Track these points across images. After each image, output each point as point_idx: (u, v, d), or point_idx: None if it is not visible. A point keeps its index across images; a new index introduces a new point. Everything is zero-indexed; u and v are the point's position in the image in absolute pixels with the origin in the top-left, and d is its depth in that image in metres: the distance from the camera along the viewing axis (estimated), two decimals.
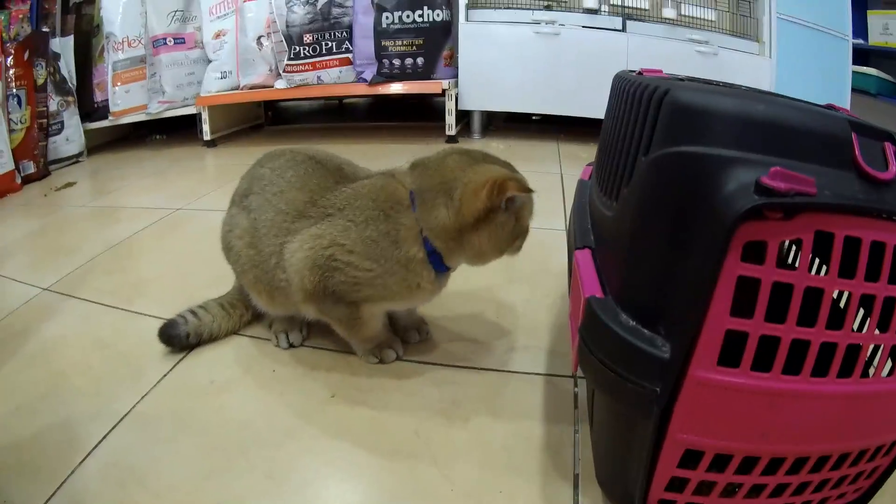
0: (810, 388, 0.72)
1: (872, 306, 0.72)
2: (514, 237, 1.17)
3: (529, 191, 1.12)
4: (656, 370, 0.72)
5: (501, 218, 1.12)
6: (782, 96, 0.98)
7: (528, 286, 1.68)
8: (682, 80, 1.00)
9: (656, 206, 0.76)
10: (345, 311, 1.23)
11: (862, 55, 3.75)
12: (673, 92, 0.74)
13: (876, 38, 4.06)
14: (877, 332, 0.74)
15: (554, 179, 2.65)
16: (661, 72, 1.05)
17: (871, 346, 0.77)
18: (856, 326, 0.74)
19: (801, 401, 0.73)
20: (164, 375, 1.30)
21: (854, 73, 3.37)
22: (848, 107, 3.31)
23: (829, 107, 1.04)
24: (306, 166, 1.28)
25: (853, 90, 3.39)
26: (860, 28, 3.82)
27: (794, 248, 1.09)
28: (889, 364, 0.76)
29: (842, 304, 0.74)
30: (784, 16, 3.14)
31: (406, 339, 1.39)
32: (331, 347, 1.39)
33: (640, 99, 0.85)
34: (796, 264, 0.69)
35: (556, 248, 1.87)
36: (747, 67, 3.24)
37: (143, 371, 1.32)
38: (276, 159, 1.32)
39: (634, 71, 1.21)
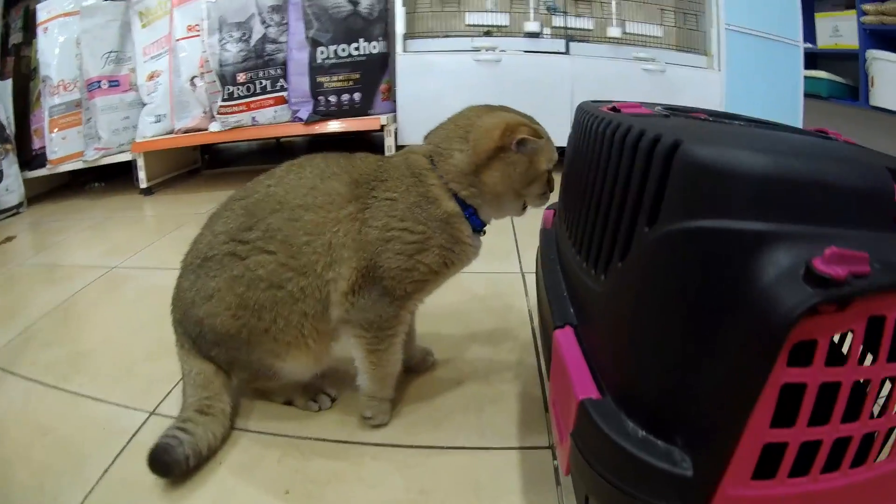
0: (849, 480, 0.62)
1: None
2: (528, 179, 1.21)
3: (540, 137, 1.18)
4: (676, 489, 0.59)
5: (513, 157, 1.18)
6: (787, 128, 0.88)
7: (490, 344, 1.55)
8: (666, 115, 0.87)
9: (670, 294, 0.62)
10: (385, 308, 1.18)
11: (810, 59, 3.73)
12: (686, 147, 0.61)
13: (825, 41, 4.06)
14: None
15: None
16: (639, 106, 0.93)
17: None
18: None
19: (840, 495, 0.62)
20: (106, 470, 1.16)
21: (804, 77, 3.36)
22: (801, 112, 3.29)
23: (821, 132, 0.94)
24: (320, 159, 1.28)
25: (805, 95, 3.37)
26: (808, 32, 3.81)
27: None
28: None
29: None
30: (733, 27, 3.12)
31: (418, 368, 1.44)
32: (279, 433, 1.25)
33: (631, 149, 0.71)
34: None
35: (513, 293, 1.81)
36: (696, 82, 3.21)
37: (85, 463, 1.19)
38: (270, 177, 1.26)
39: (601, 102, 1.10)
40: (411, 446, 1.18)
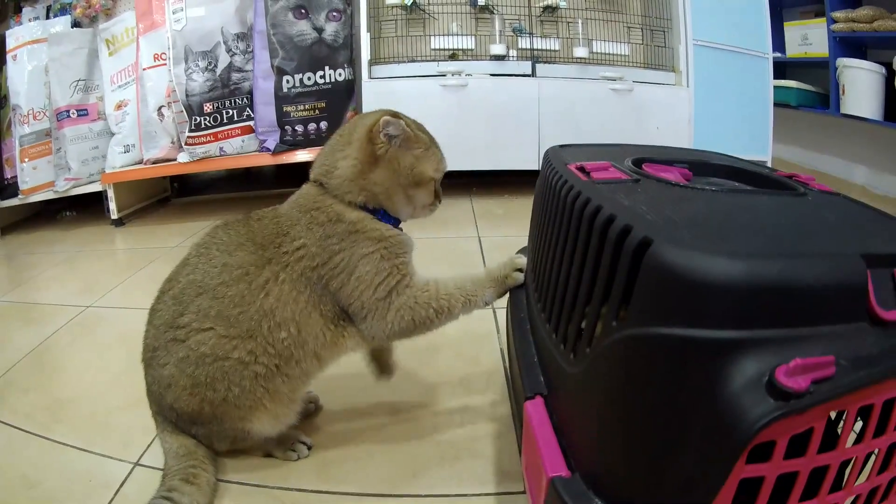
0: None
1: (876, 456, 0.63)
2: (412, 181, 1.22)
3: (398, 118, 1.19)
4: None
5: (393, 153, 1.19)
6: (762, 181, 0.91)
7: (462, 388, 1.53)
8: (637, 179, 0.87)
9: (639, 392, 0.63)
10: (382, 320, 1.20)
11: (779, 68, 3.74)
12: (657, 249, 0.60)
13: (794, 50, 4.08)
14: None
15: (472, 245, 2.55)
16: (608, 167, 0.93)
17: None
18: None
19: None
20: None
21: (774, 87, 3.39)
22: (771, 124, 3.30)
23: (792, 176, 0.94)
24: (222, 233, 1.25)
25: (774, 104, 3.39)
26: (777, 42, 3.82)
27: None
28: None
29: None
30: (701, 42, 3.12)
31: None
32: (261, 483, 1.24)
33: (600, 234, 0.71)
34: None
35: (484, 336, 1.79)
36: (665, 99, 3.22)
37: None
38: (185, 265, 1.25)
39: (570, 149, 1.11)
40: (390, 495, 1.18)
